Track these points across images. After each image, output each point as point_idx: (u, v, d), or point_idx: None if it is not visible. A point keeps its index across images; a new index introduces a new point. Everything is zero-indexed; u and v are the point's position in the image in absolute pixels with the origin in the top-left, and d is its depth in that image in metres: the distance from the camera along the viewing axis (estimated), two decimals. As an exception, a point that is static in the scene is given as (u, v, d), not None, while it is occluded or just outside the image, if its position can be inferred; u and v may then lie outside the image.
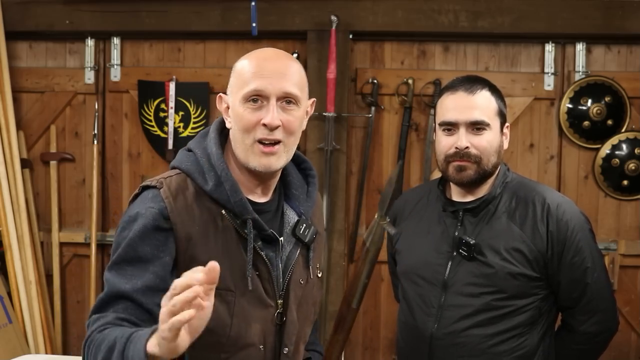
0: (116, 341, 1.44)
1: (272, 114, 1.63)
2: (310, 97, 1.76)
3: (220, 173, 1.66)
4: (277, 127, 1.63)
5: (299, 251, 1.75)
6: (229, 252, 1.65)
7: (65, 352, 4.28)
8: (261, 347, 1.69)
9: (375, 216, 1.57)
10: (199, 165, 1.69)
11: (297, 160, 1.81)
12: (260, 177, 1.71)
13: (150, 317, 1.54)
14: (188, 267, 1.49)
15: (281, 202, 1.78)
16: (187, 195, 1.65)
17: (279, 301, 1.71)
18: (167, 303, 1.28)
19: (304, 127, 1.74)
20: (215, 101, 1.82)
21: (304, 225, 1.75)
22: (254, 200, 1.71)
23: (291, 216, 1.77)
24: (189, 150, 1.74)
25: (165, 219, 1.61)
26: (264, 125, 1.63)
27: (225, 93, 1.74)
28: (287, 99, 1.66)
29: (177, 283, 1.28)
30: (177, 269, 1.60)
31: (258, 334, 1.68)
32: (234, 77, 1.70)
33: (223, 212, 1.65)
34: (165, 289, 1.38)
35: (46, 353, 4.09)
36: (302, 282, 1.76)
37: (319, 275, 1.83)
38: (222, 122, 1.75)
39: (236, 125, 1.67)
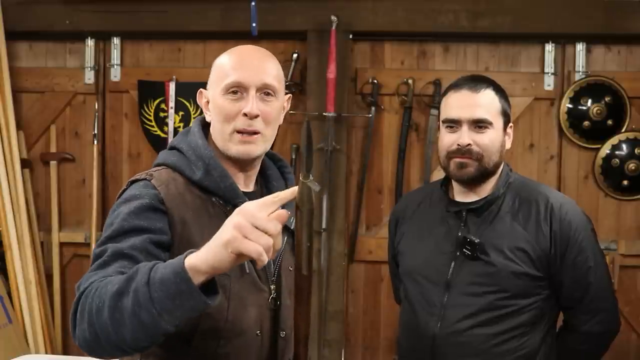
0: (137, 269, 1.41)
1: (252, 104, 1.70)
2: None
3: (209, 162, 1.71)
4: (256, 117, 1.70)
5: (285, 239, 1.80)
6: None
7: (65, 352, 4.28)
8: (258, 332, 1.73)
9: (300, 177, 1.60)
10: (185, 159, 1.74)
11: (273, 159, 1.89)
12: (240, 165, 1.76)
13: None
14: (183, 251, 1.55)
15: (264, 193, 1.83)
16: (178, 184, 1.71)
17: (272, 287, 1.76)
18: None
19: (281, 121, 1.81)
20: None
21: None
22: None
23: None
24: (171, 148, 1.80)
25: (161, 203, 1.64)
26: (244, 115, 1.70)
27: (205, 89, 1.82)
28: (266, 91, 1.73)
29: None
30: (172, 252, 1.63)
31: (254, 319, 1.72)
32: (214, 72, 1.78)
33: (213, 199, 1.71)
34: (157, 258, 1.52)
35: (46, 353, 4.09)
36: (291, 269, 1.81)
37: None
38: (203, 119, 1.83)
39: (217, 117, 1.74)
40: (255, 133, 1.71)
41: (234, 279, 1.68)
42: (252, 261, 1.68)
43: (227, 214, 1.68)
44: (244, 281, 1.70)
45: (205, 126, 1.81)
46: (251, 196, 1.76)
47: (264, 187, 1.85)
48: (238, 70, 1.72)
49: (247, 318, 1.70)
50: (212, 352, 1.68)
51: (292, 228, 1.80)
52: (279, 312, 1.76)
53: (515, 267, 2.15)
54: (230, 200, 1.71)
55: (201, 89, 1.82)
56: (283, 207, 1.81)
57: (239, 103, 1.71)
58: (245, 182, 1.79)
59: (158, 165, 1.77)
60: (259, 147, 1.73)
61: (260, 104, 1.71)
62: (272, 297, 1.75)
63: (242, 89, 1.71)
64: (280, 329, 1.77)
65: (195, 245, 1.60)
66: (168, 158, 1.76)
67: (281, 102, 1.78)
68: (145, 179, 1.69)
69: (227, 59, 1.76)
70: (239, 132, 1.70)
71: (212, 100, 1.76)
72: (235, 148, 1.71)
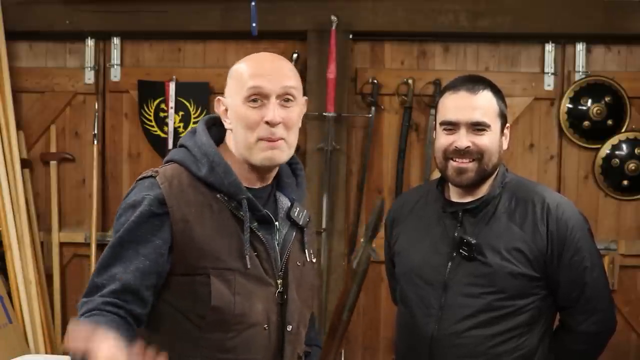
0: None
1: (273, 111, 1.72)
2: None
3: (213, 158, 1.74)
4: (278, 124, 1.72)
5: (294, 234, 1.82)
6: (226, 232, 1.73)
7: (65, 353, 4.27)
8: (265, 326, 1.75)
9: (361, 241, 1.66)
10: (191, 155, 1.77)
11: None
12: (261, 171, 1.79)
13: (135, 298, 1.64)
14: (185, 248, 1.68)
15: (273, 189, 1.85)
16: (182, 180, 1.74)
17: (279, 281, 1.78)
18: None
19: (299, 125, 1.82)
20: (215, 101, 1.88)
21: (298, 208, 1.83)
22: (248, 186, 1.78)
23: (284, 202, 1.84)
24: (180, 146, 1.84)
25: (162, 204, 1.69)
26: (266, 123, 1.72)
27: (223, 96, 1.83)
28: (285, 97, 1.74)
29: None
30: (175, 251, 1.70)
31: (261, 313, 1.74)
32: (232, 80, 1.79)
33: (218, 196, 1.74)
34: (154, 271, 1.66)
35: (46, 353, 4.09)
36: (300, 264, 1.83)
37: (314, 260, 1.90)
38: (209, 120, 1.85)
39: (239, 124, 1.75)
40: (279, 140, 1.73)
41: (238, 273, 1.71)
42: (257, 255, 1.71)
43: (231, 210, 1.74)
44: (250, 275, 1.73)
45: (214, 125, 1.84)
46: (259, 192, 1.79)
47: (274, 182, 1.86)
48: (257, 78, 1.73)
49: (254, 312, 1.73)
50: (220, 344, 1.71)
51: (300, 223, 1.83)
52: (286, 306, 1.78)
53: (512, 268, 2.14)
54: (233, 196, 1.73)
55: (219, 97, 1.82)
56: (302, 212, 1.83)
57: (260, 111, 1.72)
58: (261, 182, 1.81)
59: (167, 162, 1.82)
60: (284, 153, 1.76)
61: (281, 111, 1.73)
62: (278, 292, 1.77)
63: (262, 97, 1.73)
64: (287, 323, 1.78)
65: (197, 244, 1.69)
66: (175, 155, 1.81)
67: (300, 106, 1.80)
68: (151, 176, 1.74)
69: (244, 67, 1.77)
70: (262, 140, 1.72)
71: (232, 108, 1.77)
72: (262, 155, 1.73)
